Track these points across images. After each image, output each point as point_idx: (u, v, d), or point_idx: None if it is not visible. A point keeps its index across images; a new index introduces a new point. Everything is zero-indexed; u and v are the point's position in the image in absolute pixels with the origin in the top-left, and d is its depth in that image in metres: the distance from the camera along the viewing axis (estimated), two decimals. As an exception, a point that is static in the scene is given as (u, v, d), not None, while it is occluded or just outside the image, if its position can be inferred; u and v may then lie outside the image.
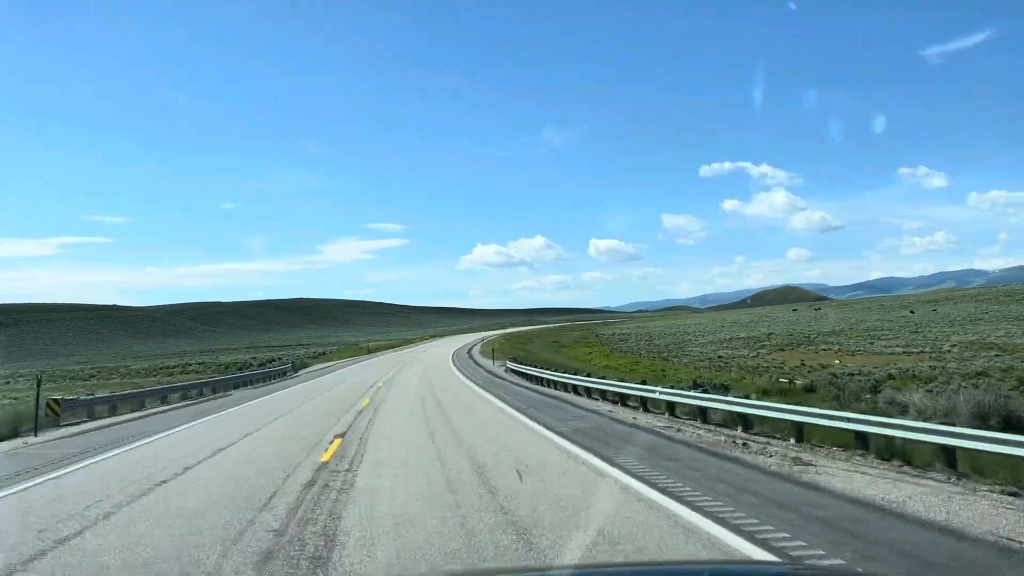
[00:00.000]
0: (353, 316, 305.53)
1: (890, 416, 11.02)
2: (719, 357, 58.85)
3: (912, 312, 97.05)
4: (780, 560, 5.25)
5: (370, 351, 78.69)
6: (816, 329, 77.66)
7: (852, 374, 38.04)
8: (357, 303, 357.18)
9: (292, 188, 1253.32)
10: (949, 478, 8.13)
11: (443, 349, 66.19)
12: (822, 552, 5.33)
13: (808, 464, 9.03)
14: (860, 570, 5.05)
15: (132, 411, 20.70)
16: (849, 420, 9.95)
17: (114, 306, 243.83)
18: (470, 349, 68.85)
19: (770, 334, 73.99)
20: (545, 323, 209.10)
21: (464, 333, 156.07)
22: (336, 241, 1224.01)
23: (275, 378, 39.10)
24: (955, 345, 56.80)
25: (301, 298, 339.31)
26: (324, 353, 74.70)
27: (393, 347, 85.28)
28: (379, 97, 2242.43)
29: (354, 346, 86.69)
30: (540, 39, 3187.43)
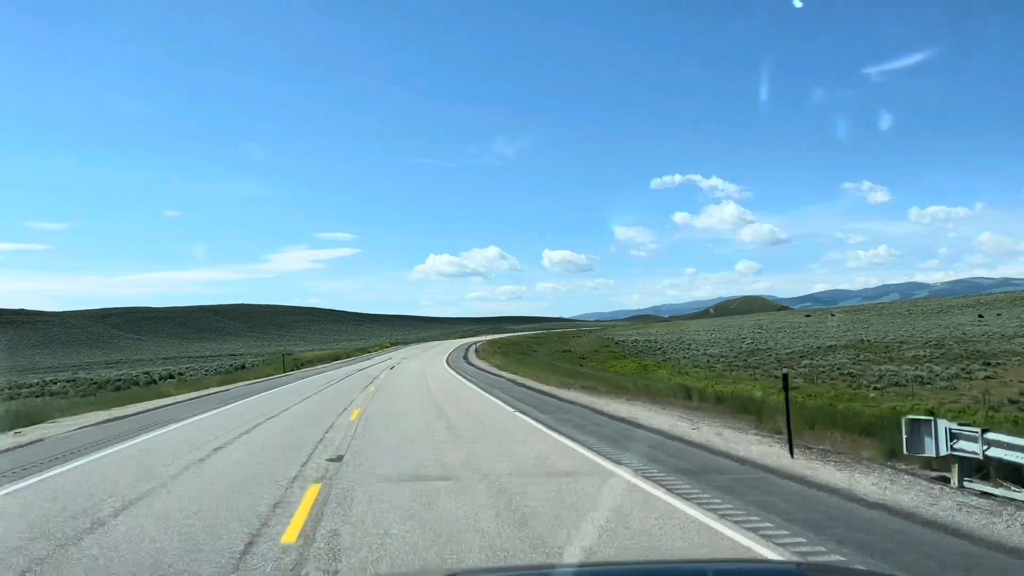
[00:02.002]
0: (300, 324, 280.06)
1: None
2: (816, 367, 40.96)
3: (981, 316, 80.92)
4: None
5: (297, 365, 57.94)
6: (966, 334, 59.87)
7: None
8: (304, 309, 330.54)
9: (238, 196, 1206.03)
10: None
11: (424, 363, 46.53)
12: None
13: None
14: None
15: None
16: None
17: (21, 310, 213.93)
18: (468, 359, 49.14)
19: (852, 341, 56.34)
20: (514, 330, 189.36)
21: (427, 341, 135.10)
22: (284, 250, 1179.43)
23: None
24: None
25: (242, 304, 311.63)
26: (243, 367, 54.30)
27: (337, 358, 64.73)
28: (327, 105, 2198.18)
29: (290, 356, 65.59)
30: (490, 49, 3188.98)
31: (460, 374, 34.60)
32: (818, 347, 54.19)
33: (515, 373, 33.79)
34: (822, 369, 41.93)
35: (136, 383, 47.46)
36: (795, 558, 5.39)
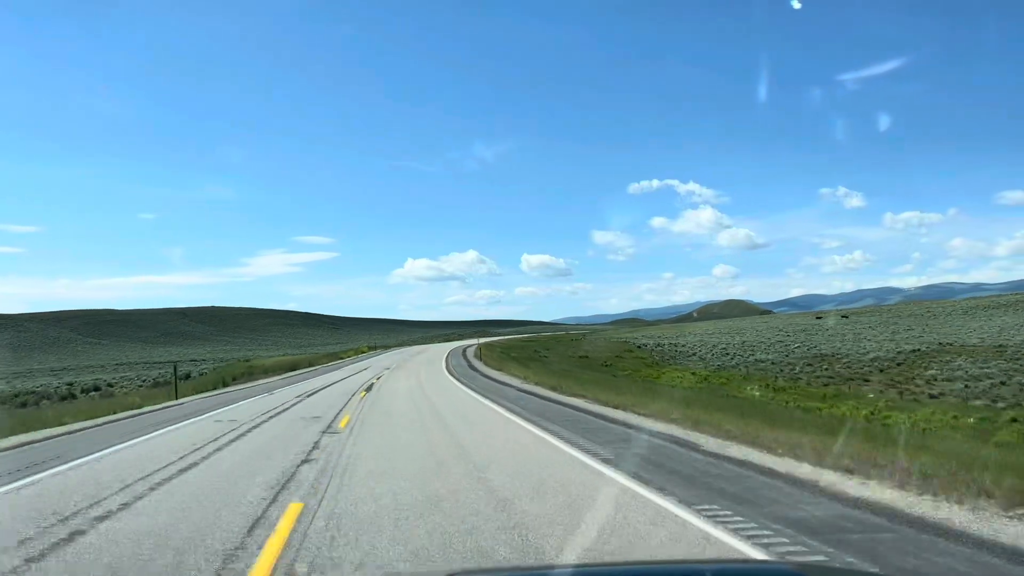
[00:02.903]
0: (274, 327, 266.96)
1: None
2: (955, 376, 31.63)
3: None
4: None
5: (251, 373, 47.47)
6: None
7: None
8: (277, 312, 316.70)
9: (215, 199, 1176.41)
10: None
11: (421, 379, 31.67)
12: None
13: None
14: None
15: None
16: None
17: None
18: (479, 368, 38.86)
19: (929, 344, 47.13)
20: (500, 334, 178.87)
21: (409, 345, 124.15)
22: (262, 254, 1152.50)
23: None
24: None
25: (211, 306, 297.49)
26: (188, 376, 43.59)
27: (296, 367, 53.99)
28: (306, 108, 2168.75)
29: (245, 363, 54.49)
30: (470, 53, 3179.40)
31: (498, 402, 21.15)
32: (899, 351, 44.71)
33: (563, 391, 23.69)
34: (977, 380, 32.22)
35: (48, 396, 36.63)
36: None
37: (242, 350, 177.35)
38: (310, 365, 55.96)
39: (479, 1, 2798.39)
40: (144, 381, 49.16)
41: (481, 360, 46.75)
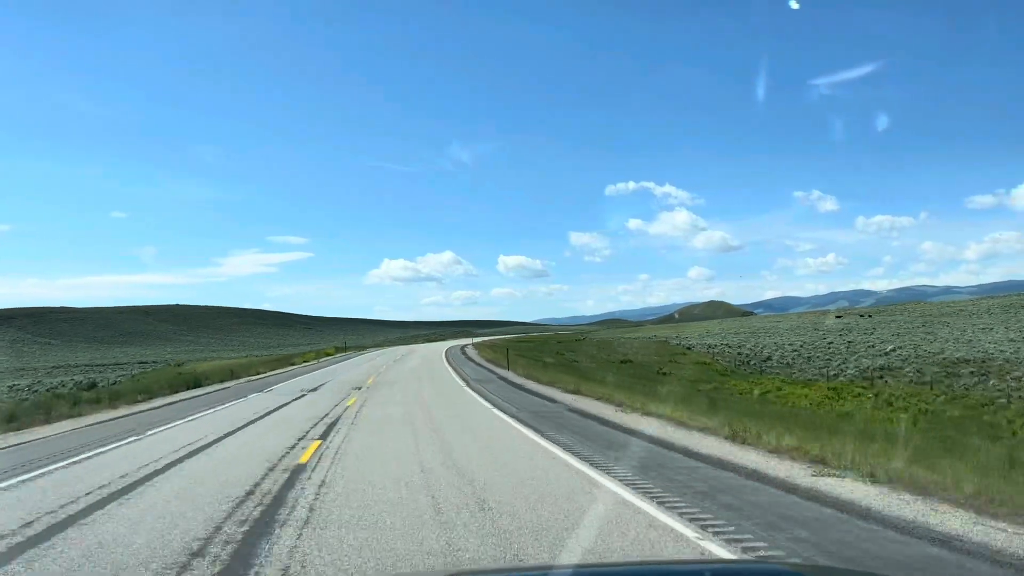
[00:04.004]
0: (241, 327, 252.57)
1: None
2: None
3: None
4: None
5: (188, 383, 35.82)
6: None
7: None
8: (247, 311, 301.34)
9: (188, 198, 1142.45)
10: None
11: (445, 441, 18.80)
12: None
13: None
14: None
15: None
16: None
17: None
18: (522, 385, 27.87)
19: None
20: (484, 334, 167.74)
21: (387, 347, 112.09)
22: (236, 254, 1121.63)
23: None
24: None
25: (177, 304, 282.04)
26: (93, 386, 31.96)
27: (232, 376, 37.57)
28: (281, 107, 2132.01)
29: (177, 368, 42.32)
30: (447, 54, 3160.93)
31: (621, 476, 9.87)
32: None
33: (687, 425, 13.08)
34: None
35: None
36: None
37: (206, 351, 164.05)
38: (250, 376, 38.83)
39: (454, 1, 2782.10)
40: (65, 385, 37.53)
41: (498, 365, 35.90)
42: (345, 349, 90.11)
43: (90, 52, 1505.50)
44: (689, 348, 51.14)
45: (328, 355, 72.05)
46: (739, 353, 48.77)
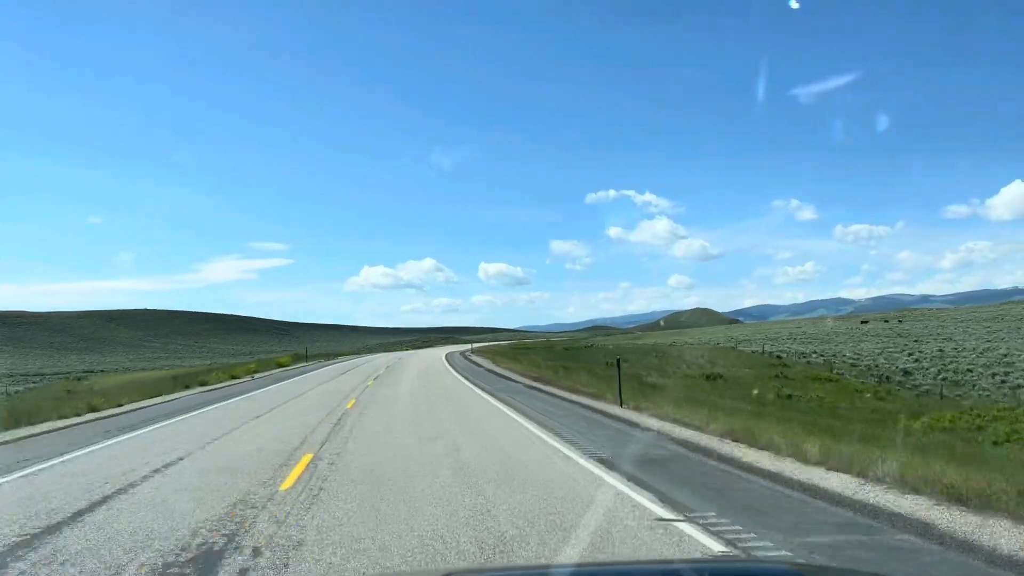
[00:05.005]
0: (212, 333, 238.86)
1: None
2: None
3: None
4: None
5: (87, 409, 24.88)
6: None
7: None
8: (218, 316, 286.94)
9: (166, 203, 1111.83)
10: None
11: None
12: None
13: None
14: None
15: None
16: None
17: None
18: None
19: None
20: (471, 340, 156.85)
21: (368, 353, 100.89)
22: (215, 259, 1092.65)
23: None
24: None
25: (143, 309, 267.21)
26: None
27: (153, 396, 24.82)
28: (261, 112, 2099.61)
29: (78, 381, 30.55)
30: (429, 59, 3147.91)
31: None
32: None
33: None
34: None
35: None
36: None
37: (171, 358, 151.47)
38: (175, 394, 27.54)
39: (434, 7, 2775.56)
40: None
41: (532, 379, 25.43)
42: (306, 358, 67.16)
43: (68, 53, 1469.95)
44: (779, 357, 40.25)
45: (282, 364, 55.59)
46: (868, 366, 37.32)
